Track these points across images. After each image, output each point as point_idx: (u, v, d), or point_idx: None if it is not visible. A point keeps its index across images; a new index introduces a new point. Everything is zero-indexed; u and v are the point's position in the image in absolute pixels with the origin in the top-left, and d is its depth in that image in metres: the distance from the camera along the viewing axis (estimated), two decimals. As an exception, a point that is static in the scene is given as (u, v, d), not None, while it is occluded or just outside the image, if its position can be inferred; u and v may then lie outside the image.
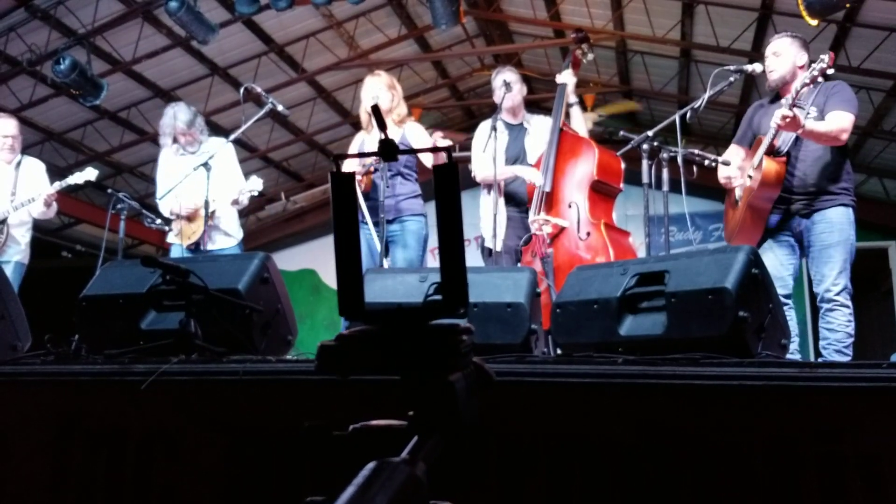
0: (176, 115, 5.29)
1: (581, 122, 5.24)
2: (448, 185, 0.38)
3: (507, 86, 5.13)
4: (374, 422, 0.38)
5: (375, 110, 0.33)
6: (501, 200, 5.07)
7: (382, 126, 0.34)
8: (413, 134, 5.02)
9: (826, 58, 3.91)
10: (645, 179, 4.30)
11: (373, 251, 4.78)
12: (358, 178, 4.69)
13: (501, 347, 2.92)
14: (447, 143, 4.79)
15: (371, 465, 0.34)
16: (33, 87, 8.86)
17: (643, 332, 2.81)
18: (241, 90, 5.06)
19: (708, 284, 2.63)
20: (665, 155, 4.25)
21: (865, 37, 8.05)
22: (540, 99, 10.65)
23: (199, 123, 5.36)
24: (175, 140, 5.35)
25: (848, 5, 7.13)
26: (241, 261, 3.44)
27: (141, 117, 10.12)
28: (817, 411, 2.03)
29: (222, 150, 5.28)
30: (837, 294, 4.04)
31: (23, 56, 8.40)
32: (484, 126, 5.21)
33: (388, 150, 0.36)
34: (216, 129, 8.18)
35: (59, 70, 7.89)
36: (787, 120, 3.90)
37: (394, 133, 4.97)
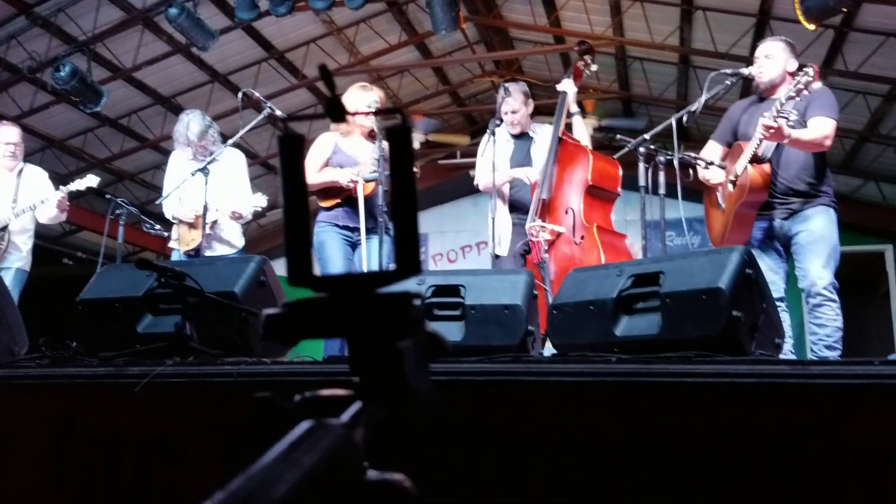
0: (188, 126, 5.26)
1: (583, 131, 5.29)
2: (401, 147, 0.38)
3: (505, 90, 5.20)
4: (322, 391, 0.37)
5: (323, 69, 0.33)
6: (506, 207, 5.14)
7: (331, 86, 0.35)
8: None
9: (811, 71, 3.95)
10: (641, 183, 4.31)
11: (369, 253, 4.84)
12: (364, 182, 4.76)
13: (499, 349, 2.93)
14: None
15: (304, 424, 0.33)
16: (34, 94, 8.89)
17: (639, 333, 2.81)
18: (239, 95, 5.07)
19: (702, 285, 2.64)
20: (661, 158, 4.26)
21: (862, 41, 8.08)
22: (540, 105, 10.67)
23: (212, 134, 5.30)
24: (189, 145, 5.34)
25: (845, 10, 7.16)
26: (238, 264, 3.44)
27: (141, 124, 10.16)
28: (811, 409, 2.03)
29: (230, 158, 5.28)
30: (823, 288, 4.05)
31: (23, 63, 8.44)
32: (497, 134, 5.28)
33: (335, 110, 0.36)
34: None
35: (60, 77, 7.93)
36: (772, 131, 3.94)
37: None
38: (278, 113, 4.91)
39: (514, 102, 5.23)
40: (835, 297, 4.07)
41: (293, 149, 0.38)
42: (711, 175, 4.41)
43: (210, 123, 5.32)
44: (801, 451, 1.96)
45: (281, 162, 0.38)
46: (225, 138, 5.51)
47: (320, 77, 0.38)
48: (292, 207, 0.38)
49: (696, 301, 2.63)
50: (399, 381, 0.37)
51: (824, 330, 4.05)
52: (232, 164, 5.31)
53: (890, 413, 1.95)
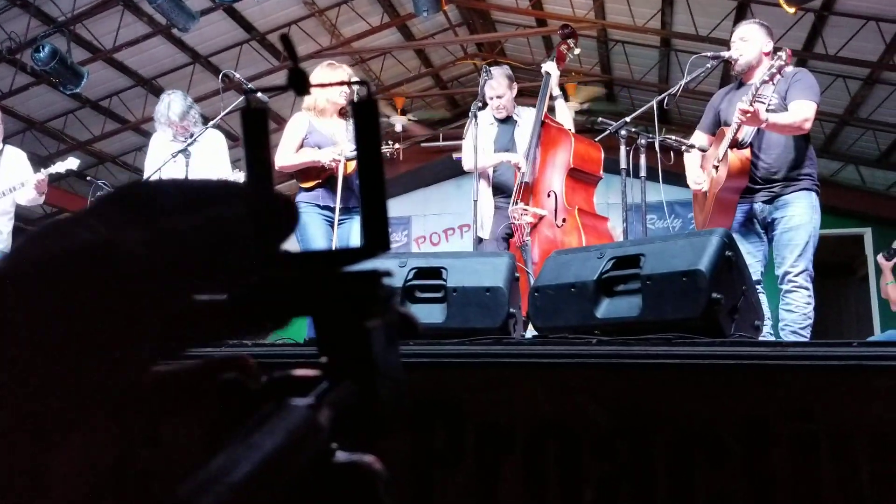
0: (170, 106, 5.25)
1: (566, 114, 5.32)
2: (368, 120, 0.38)
3: (487, 73, 5.21)
4: (291, 371, 0.37)
5: (285, 39, 0.32)
6: (489, 190, 5.17)
7: (293, 57, 0.34)
8: None
9: (784, 55, 4.00)
10: (623, 165, 4.33)
11: (351, 232, 4.87)
12: (346, 160, 4.78)
13: (480, 331, 2.94)
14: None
15: (267, 405, 0.32)
16: (13, 75, 8.81)
17: (619, 315, 2.83)
18: (220, 77, 5.05)
19: (682, 267, 2.66)
20: (643, 141, 4.28)
21: (842, 25, 8.12)
22: (522, 88, 10.69)
23: (193, 115, 5.31)
24: (170, 126, 5.33)
25: (826, -7, 7.19)
26: (220, 246, 3.42)
27: (122, 106, 10.08)
28: (789, 390, 2.06)
29: (210, 140, 5.27)
30: (796, 276, 4.10)
31: (2, 44, 8.35)
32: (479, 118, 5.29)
33: (298, 82, 0.35)
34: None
35: (39, 58, 7.86)
36: (748, 115, 3.97)
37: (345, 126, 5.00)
38: (259, 95, 4.87)
39: (498, 87, 5.24)
40: (807, 285, 4.11)
41: (256, 121, 0.38)
42: (694, 178, 4.48)
43: (191, 104, 5.31)
44: (778, 432, 1.98)
45: (243, 135, 0.38)
46: (206, 120, 5.49)
47: (283, 47, 0.38)
48: (256, 181, 0.38)
49: (676, 283, 2.65)
50: (367, 362, 0.37)
51: (791, 316, 4.10)
52: (212, 145, 5.30)
53: (867, 395, 1.97)
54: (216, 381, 0.38)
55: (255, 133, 0.37)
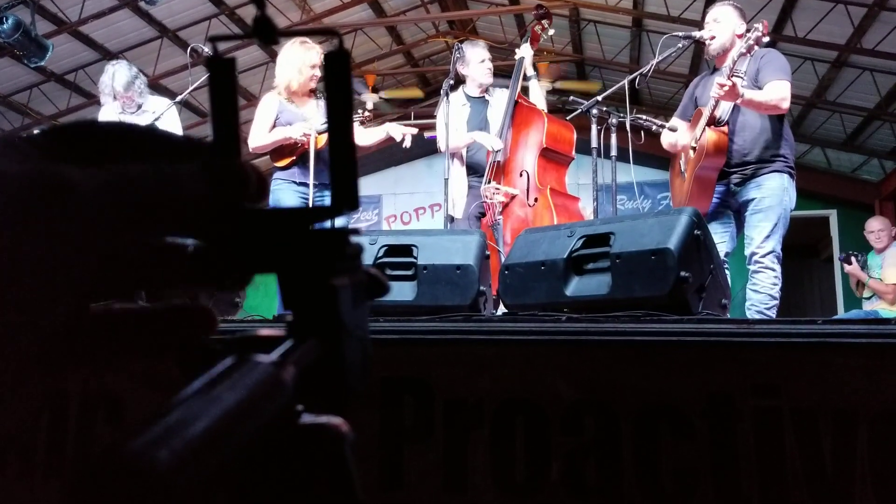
0: (114, 76, 5.17)
1: (539, 94, 5.34)
2: (339, 73, 0.37)
3: (458, 51, 5.23)
4: (258, 331, 0.36)
5: None
6: (462, 168, 5.17)
7: (260, 4, 0.33)
8: None
9: (760, 26, 4.00)
10: (594, 145, 4.34)
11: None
12: (318, 134, 4.75)
13: (450, 309, 2.95)
14: (405, 131, 4.88)
15: (228, 360, 0.31)
16: (-25, 48, 8.63)
17: (589, 293, 2.85)
18: (188, 51, 4.98)
19: (651, 245, 2.68)
20: (613, 120, 4.29)
21: (811, 8, 8.17)
22: (494, 66, 10.64)
23: (138, 86, 5.21)
24: (116, 98, 5.25)
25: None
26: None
27: (88, 80, 9.90)
28: (754, 366, 2.08)
29: (168, 112, 5.21)
30: (763, 256, 4.13)
31: (-37, 16, 8.16)
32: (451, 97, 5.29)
33: (265, 30, 0.34)
34: (166, 93, 8.04)
35: (3, 30, 7.70)
36: (726, 89, 3.97)
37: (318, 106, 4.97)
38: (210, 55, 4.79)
39: (483, 52, 5.31)
40: (774, 266, 4.14)
41: (223, 70, 0.37)
42: (670, 139, 4.46)
43: (136, 74, 5.21)
44: (743, 407, 2.00)
45: (210, 84, 0.37)
46: (173, 96, 5.41)
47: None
48: (221, 135, 0.37)
49: (645, 261, 2.67)
50: (333, 320, 0.36)
51: (758, 296, 4.14)
52: (166, 117, 5.22)
53: (831, 371, 2.00)
54: (169, 331, 0.37)
55: (222, 85, 0.36)
